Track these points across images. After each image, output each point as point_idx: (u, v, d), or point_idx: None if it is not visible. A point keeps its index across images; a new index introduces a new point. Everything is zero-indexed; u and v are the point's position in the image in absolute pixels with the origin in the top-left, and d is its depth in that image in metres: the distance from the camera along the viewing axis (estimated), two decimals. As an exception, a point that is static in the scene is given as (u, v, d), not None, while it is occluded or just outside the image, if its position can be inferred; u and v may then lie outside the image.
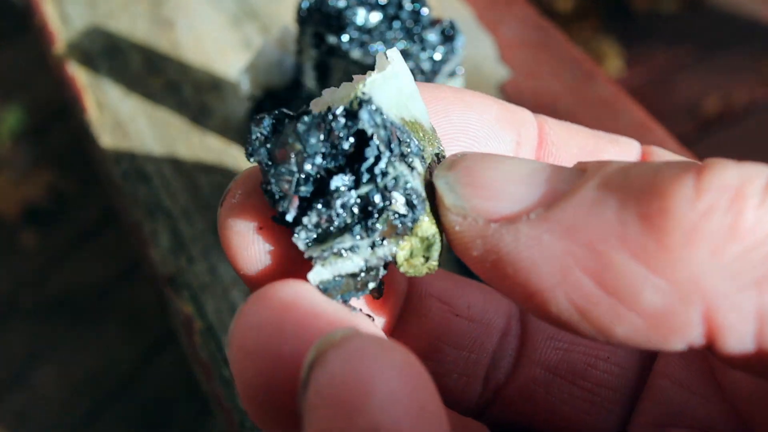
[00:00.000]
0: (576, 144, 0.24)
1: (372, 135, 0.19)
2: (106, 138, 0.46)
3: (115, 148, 0.46)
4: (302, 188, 0.20)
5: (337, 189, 0.19)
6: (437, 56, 0.37)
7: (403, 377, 0.16)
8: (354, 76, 0.20)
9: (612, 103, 0.48)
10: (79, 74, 0.49)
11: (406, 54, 0.37)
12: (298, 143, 0.20)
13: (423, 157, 0.20)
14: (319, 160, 0.20)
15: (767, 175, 0.16)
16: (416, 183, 0.20)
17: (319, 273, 0.20)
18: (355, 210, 0.19)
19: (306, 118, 0.20)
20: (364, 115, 0.19)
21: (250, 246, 0.21)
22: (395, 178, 0.19)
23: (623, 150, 0.25)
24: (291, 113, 0.20)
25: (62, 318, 1.04)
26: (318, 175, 0.20)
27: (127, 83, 0.49)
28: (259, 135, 0.20)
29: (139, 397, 0.98)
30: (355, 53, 0.37)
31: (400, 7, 0.38)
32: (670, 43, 1.20)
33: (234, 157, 0.46)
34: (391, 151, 0.19)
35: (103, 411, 0.97)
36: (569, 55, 0.51)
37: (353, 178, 0.19)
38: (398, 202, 0.19)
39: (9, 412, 0.97)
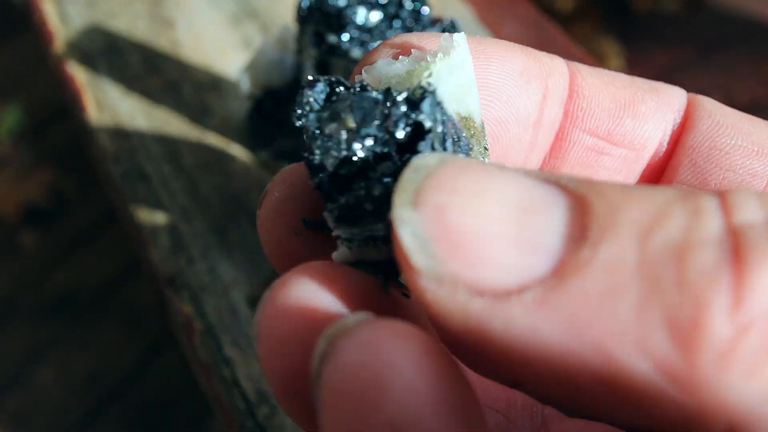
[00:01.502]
0: (610, 96, 0.22)
1: (430, 129, 0.18)
2: (106, 137, 0.46)
3: (115, 148, 0.46)
4: (344, 166, 0.19)
5: (381, 176, 0.18)
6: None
7: (423, 368, 0.14)
8: (415, 52, 0.19)
9: (613, 102, 0.48)
10: (78, 73, 0.49)
11: (406, 53, 0.37)
12: (352, 121, 0.18)
13: (470, 157, 0.19)
14: (369, 142, 0.18)
15: None
16: None
17: (344, 254, 0.19)
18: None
19: (366, 95, 0.19)
20: (426, 107, 0.18)
21: (287, 251, 0.19)
22: None
23: (663, 102, 0.23)
24: (347, 83, 0.19)
25: (62, 318, 1.04)
26: (364, 157, 0.18)
27: (127, 83, 0.49)
28: (311, 100, 0.19)
29: (139, 397, 0.97)
30: (356, 52, 0.37)
31: (400, 6, 0.38)
32: (671, 43, 1.20)
33: (234, 156, 0.46)
34: (444, 149, 0.18)
35: (102, 411, 0.97)
36: (570, 55, 0.51)
37: (398, 168, 0.18)
38: None
39: (8, 411, 0.97)
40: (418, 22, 0.37)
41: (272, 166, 0.45)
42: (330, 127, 0.19)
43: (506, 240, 0.15)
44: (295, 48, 0.41)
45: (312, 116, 0.19)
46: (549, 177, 0.16)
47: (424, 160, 0.16)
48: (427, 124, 0.18)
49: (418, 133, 0.18)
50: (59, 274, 1.08)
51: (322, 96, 0.19)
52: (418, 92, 0.18)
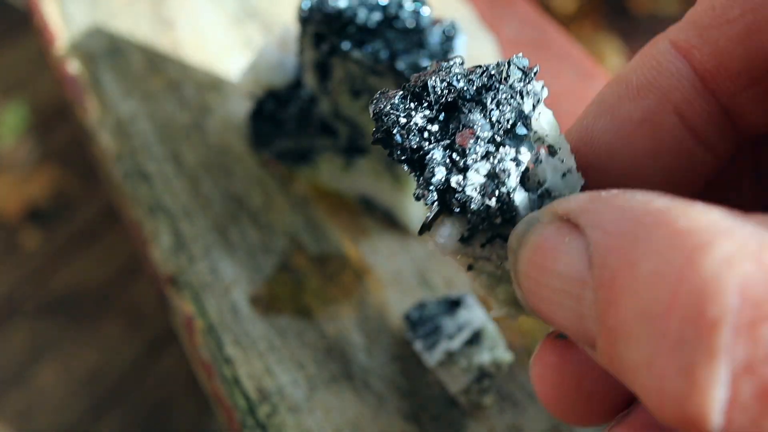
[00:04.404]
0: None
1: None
2: (107, 138, 0.46)
3: (117, 148, 0.46)
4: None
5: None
6: (438, 56, 0.37)
7: None
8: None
9: (613, 102, 0.48)
10: (80, 74, 0.49)
11: (407, 54, 0.37)
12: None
13: None
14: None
15: None
16: None
17: None
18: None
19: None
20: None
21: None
22: None
23: None
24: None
25: (63, 317, 1.05)
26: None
27: (129, 83, 0.49)
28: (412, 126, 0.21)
29: (140, 396, 0.98)
30: (356, 53, 0.37)
31: (400, 6, 0.38)
32: (672, 43, 1.20)
33: (235, 156, 0.46)
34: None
35: (103, 410, 0.97)
36: (570, 55, 0.51)
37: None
38: None
39: (10, 410, 0.97)
40: (418, 23, 0.38)
41: (273, 165, 0.46)
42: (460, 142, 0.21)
43: None
44: (297, 48, 0.41)
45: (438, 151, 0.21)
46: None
47: None
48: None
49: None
50: (61, 273, 1.08)
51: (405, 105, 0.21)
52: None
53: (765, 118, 0.22)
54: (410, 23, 0.38)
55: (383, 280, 0.41)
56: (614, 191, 0.18)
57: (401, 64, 0.36)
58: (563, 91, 0.49)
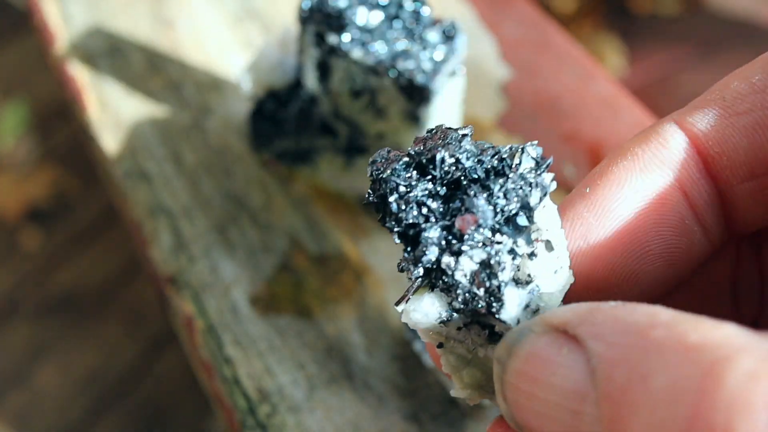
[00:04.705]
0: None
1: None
2: (107, 138, 0.47)
3: (117, 148, 0.46)
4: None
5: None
6: (438, 56, 0.37)
7: None
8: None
9: (613, 102, 0.48)
10: (80, 74, 0.49)
11: (407, 54, 0.37)
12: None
13: None
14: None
15: None
16: None
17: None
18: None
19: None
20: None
21: None
22: None
23: None
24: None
25: (63, 317, 1.05)
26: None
27: (128, 83, 0.49)
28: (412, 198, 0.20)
29: (140, 396, 0.98)
30: (356, 53, 0.37)
31: (400, 6, 0.38)
32: (671, 43, 1.20)
33: (235, 156, 0.46)
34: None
35: (103, 410, 0.97)
36: (570, 55, 0.51)
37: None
38: None
39: (10, 410, 0.97)
40: (418, 23, 0.38)
41: (273, 165, 0.46)
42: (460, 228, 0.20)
43: None
44: (297, 48, 0.41)
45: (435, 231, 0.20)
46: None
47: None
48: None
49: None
50: (61, 273, 1.08)
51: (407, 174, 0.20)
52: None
53: (757, 213, 0.23)
54: (410, 23, 0.38)
55: (383, 280, 0.41)
56: (613, 303, 0.18)
57: (401, 64, 0.36)
58: (563, 91, 0.49)
